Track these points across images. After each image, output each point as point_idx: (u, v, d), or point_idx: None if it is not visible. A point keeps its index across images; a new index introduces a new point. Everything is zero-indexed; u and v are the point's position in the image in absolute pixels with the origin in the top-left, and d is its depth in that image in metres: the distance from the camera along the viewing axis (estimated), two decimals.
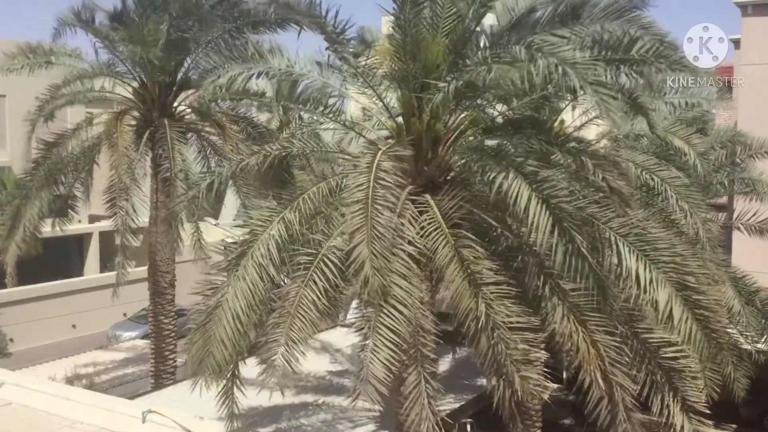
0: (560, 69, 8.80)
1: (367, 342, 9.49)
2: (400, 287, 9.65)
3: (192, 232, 17.00)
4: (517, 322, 9.90)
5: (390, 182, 9.75)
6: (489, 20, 10.90)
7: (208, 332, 10.11)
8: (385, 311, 9.52)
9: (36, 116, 17.94)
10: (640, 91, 11.57)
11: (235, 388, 11.37)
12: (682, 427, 10.72)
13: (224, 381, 10.95)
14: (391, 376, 9.48)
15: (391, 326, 9.51)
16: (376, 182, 9.56)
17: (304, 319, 9.69)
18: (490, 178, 9.95)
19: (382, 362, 9.35)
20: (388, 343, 9.45)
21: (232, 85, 11.26)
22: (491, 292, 9.96)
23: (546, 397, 10.09)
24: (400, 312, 9.57)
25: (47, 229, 19.08)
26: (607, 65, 9.92)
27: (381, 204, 9.41)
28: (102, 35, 17.93)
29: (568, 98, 11.92)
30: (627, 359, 10.49)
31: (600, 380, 9.89)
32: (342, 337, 20.01)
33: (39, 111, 18.01)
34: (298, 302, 9.70)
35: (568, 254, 9.32)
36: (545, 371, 10.58)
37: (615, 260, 10.11)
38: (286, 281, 10.45)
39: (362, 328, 9.64)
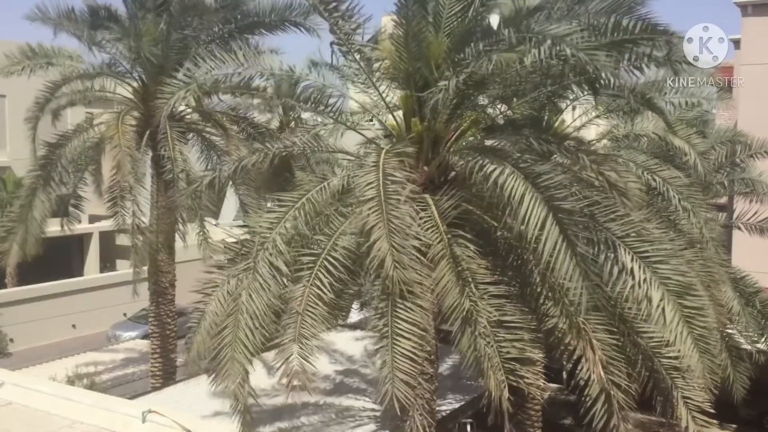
0: (566, 50, 8.82)
1: (385, 338, 9.56)
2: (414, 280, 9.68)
3: (197, 232, 17.00)
4: (509, 322, 9.92)
5: (399, 178, 9.79)
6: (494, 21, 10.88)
7: (225, 338, 10.14)
8: (401, 304, 9.57)
9: (36, 114, 17.87)
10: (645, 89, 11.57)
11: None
12: (686, 428, 10.70)
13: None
14: (415, 367, 9.52)
15: (408, 318, 9.57)
16: (386, 179, 9.60)
17: (314, 317, 9.75)
18: (488, 172, 9.97)
19: (403, 355, 9.45)
20: (407, 335, 9.52)
21: (235, 82, 11.30)
22: (480, 290, 9.99)
23: (539, 395, 10.05)
24: (415, 303, 9.62)
25: (49, 229, 19.07)
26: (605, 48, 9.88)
27: (395, 199, 9.46)
28: (84, 35, 17.86)
29: (570, 98, 11.90)
30: (625, 358, 10.49)
31: (597, 379, 9.90)
32: (343, 338, 20.03)
33: (38, 109, 17.95)
34: (305, 300, 9.74)
35: (557, 247, 9.23)
36: (542, 370, 10.58)
37: (612, 259, 10.11)
38: (288, 283, 10.45)
39: (378, 326, 9.69)
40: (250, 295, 10.01)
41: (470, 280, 10.09)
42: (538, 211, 9.30)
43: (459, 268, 10.11)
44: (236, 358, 9.95)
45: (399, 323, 9.59)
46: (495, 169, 9.86)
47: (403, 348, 9.51)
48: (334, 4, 10.92)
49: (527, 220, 9.35)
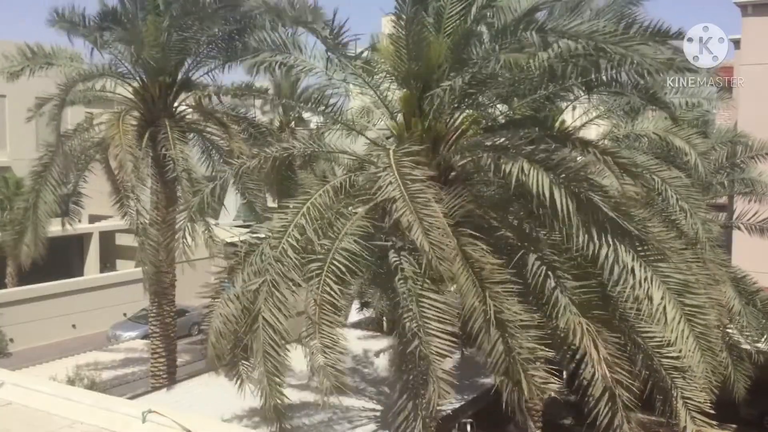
0: (589, 44, 8.93)
1: (417, 339, 9.63)
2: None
3: (203, 230, 17.03)
4: (522, 320, 9.92)
5: (419, 176, 9.83)
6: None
7: (257, 355, 10.29)
8: (428, 303, 9.69)
9: (59, 108, 17.84)
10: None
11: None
12: (685, 428, 10.70)
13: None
14: (449, 357, 9.60)
15: (436, 317, 9.67)
16: (404, 178, 9.67)
17: (329, 323, 9.84)
18: (506, 171, 9.97)
19: (439, 354, 9.57)
20: (439, 334, 9.60)
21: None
22: (496, 290, 9.97)
23: (552, 394, 10.05)
24: (442, 301, 9.73)
25: (50, 228, 19.08)
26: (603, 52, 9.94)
27: (422, 198, 9.53)
28: (92, 39, 17.89)
29: (571, 97, 11.90)
30: (627, 358, 10.49)
31: (601, 378, 9.89)
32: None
33: (61, 103, 17.88)
34: (319, 309, 9.82)
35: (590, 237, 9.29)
36: (549, 369, 10.57)
37: (613, 258, 10.10)
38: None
39: (408, 327, 9.76)
40: (271, 310, 10.09)
41: (487, 279, 10.07)
42: (565, 201, 9.42)
43: (474, 268, 10.11)
44: (269, 370, 10.09)
45: (428, 322, 9.65)
46: (514, 166, 9.91)
47: (438, 347, 9.57)
48: (315, 25, 10.98)
49: (559, 210, 9.44)
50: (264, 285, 10.24)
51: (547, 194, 9.62)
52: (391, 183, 9.67)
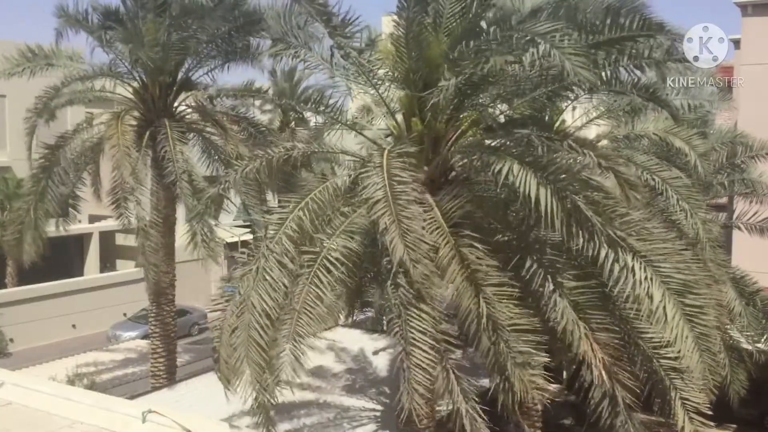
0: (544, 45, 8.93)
1: (401, 348, 9.57)
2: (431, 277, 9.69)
3: (203, 232, 17.01)
4: (517, 324, 9.89)
5: (405, 178, 9.75)
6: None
7: (240, 339, 10.16)
8: (413, 312, 9.58)
9: (36, 115, 17.87)
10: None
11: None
12: (683, 428, 10.70)
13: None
14: (429, 376, 9.51)
15: (419, 327, 9.55)
16: (392, 179, 9.58)
17: (310, 315, 9.73)
18: (495, 170, 9.94)
19: (418, 366, 9.45)
20: (421, 344, 9.50)
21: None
22: (493, 293, 9.93)
23: (547, 397, 10.02)
24: (424, 310, 9.64)
25: (50, 229, 19.09)
26: (597, 48, 9.89)
27: (404, 199, 9.43)
28: (97, 36, 17.90)
29: (570, 97, 11.89)
30: (627, 358, 10.49)
31: (602, 378, 9.88)
32: (343, 337, 20.02)
33: (41, 110, 17.92)
34: (303, 298, 9.72)
35: (580, 238, 9.23)
36: (546, 372, 10.56)
37: (613, 258, 10.09)
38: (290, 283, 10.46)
39: (394, 333, 9.69)
40: (260, 294, 9.99)
41: (482, 281, 10.02)
42: (552, 202, 9.40)
43: (470, 270, 10.06)
44: (251, 357, 9.91)
45: (412, 332, 9.55)
46: (504, 166, 9.86)
47: (418, 359, 9.48)
48: (328, 15, 10.98)
49: (546, 212, 9.41)
50: (254, 271, 10.19)
51: (533, 196, 9.55)
52: (376, 184, 9.61)
